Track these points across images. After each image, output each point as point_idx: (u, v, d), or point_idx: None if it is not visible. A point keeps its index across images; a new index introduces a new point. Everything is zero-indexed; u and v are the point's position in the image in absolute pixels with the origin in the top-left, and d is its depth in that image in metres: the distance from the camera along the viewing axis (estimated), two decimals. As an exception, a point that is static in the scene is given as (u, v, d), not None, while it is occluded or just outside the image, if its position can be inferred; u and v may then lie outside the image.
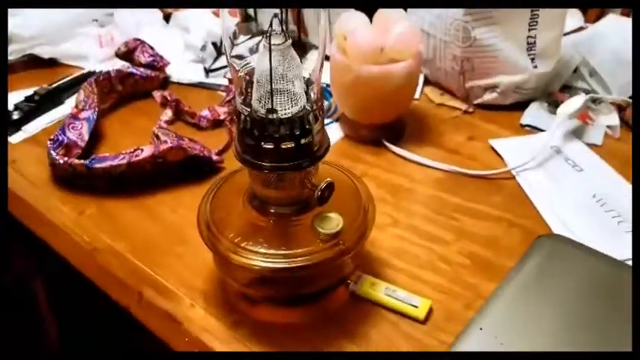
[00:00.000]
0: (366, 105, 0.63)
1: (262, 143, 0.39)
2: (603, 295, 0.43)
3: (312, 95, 0.41)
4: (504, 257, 0.50)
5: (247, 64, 0.41)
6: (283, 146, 0.39)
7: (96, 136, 0.66)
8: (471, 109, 0.71)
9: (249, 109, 0.39)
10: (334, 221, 0.42)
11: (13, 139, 0.67)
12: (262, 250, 0.42)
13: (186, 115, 0.69)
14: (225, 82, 0.75)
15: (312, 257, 0.41)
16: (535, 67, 0.68)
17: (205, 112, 0.68)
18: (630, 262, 0.48)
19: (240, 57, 0.41)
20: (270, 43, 0.37)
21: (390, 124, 0.66)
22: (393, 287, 0.47)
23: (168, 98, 0.71)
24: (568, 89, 0.73)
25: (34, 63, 0.83)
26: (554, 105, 0.69)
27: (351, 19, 0.62)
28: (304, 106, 0.40)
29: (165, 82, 0.78)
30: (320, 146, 0.41)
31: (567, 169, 0.60)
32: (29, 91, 0.73)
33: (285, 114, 0.39)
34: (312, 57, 0.40)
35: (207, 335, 0.45)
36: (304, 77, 0.41)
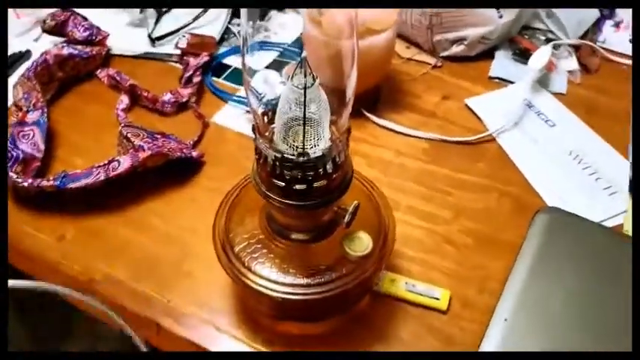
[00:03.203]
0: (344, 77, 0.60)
1: (294, 185, 0.37)
2: (604, 269, 0.47)
3: (339, 123, 0.38)
4: (501, 231, 0.53)
5: (265, 98, 0.37)
6: (316, 185, 0.38)
7: (47, 136, 0.58)
8: (439, 64, 0.70)
9: (278, 154, 0.36)
10: (364, 242, 0.42)
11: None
12: (287, 280, 0.41)
13: (146, 100, 0.62)
14: (177, 52, 0.68)
15: (341, 283, 0.41)
16: (500, 16, 0.68)
17: (168, 97, 0.62)
18: (611, 222, 0.53)
19: (255, 90, 0.37)
20: (305, 87, 0.34)
21: (366, 91, 0.64)
22: (412, 281, 0.48)
23: (117, 79, 0.64)
24: (526, 30, 0.74)
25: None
26: (518, 53, 0.70)
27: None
28: (332, 141, 0.38)
29: (107, 57, 0.69)
30: (347, 173, 0.40)
31: (541, 124, 0.63)
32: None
33: (315, 153, 0.37)
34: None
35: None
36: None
